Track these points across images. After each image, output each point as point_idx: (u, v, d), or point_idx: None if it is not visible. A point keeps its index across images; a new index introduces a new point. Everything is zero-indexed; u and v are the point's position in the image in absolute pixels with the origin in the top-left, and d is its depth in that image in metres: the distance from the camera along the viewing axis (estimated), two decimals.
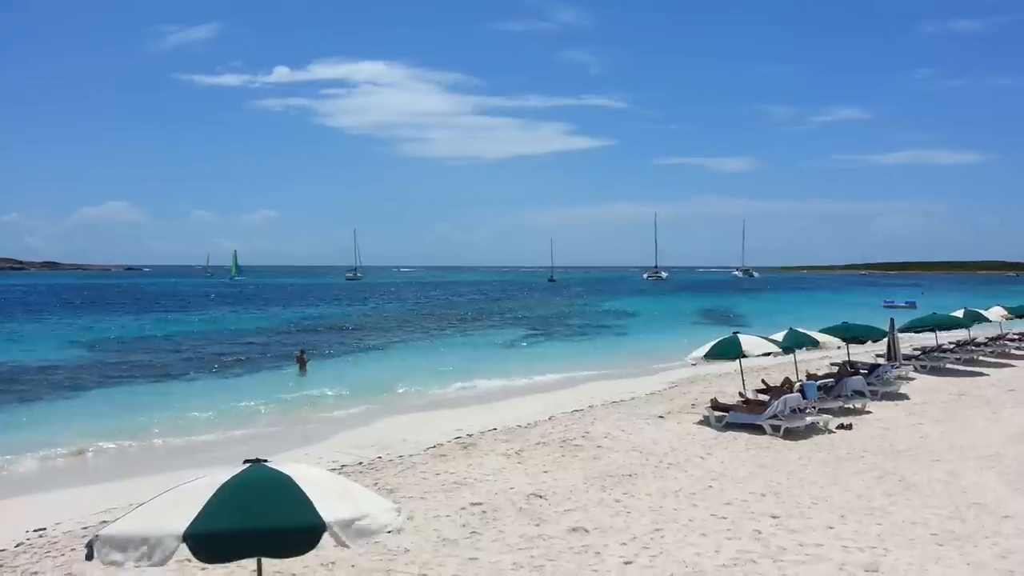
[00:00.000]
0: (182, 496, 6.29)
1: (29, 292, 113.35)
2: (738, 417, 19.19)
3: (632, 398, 24.82)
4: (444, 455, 16.84)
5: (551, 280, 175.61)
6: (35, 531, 12.79)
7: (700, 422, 19.85)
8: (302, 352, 33.49)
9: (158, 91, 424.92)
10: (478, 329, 55.15)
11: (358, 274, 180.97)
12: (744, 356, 19.96)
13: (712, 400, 20.92)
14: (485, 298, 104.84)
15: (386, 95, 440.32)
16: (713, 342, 20.41)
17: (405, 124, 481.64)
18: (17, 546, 12.09)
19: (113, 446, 19.42)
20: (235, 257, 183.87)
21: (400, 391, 27.15)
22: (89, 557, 6.30)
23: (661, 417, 21.02)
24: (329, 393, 26.72)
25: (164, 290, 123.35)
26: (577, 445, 17.37)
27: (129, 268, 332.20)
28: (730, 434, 18.37)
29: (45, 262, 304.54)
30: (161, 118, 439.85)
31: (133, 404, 25.15)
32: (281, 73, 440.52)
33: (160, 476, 15.27)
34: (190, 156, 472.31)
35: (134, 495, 11.90)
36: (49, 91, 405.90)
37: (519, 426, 20.44)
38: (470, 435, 19.46)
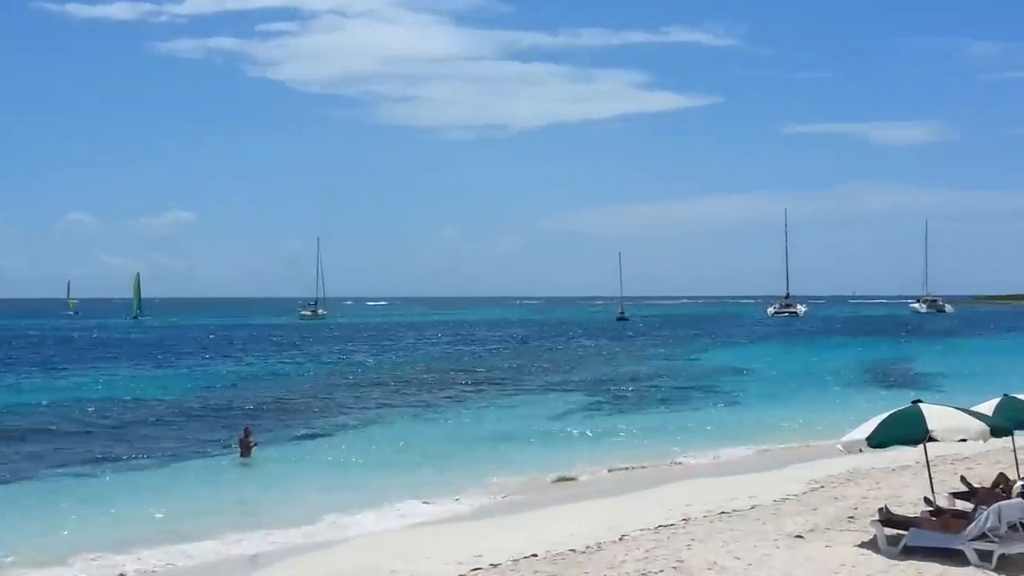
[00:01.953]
0: None
1: None
2: (924, 537, 15.03)
3: (752, 507, 19.94)
4: None
5: (620, 318, 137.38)
6: None
7: (863, 545, 15.52)
8: (247, 431, 26.31)
9: (5, 25, 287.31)
10: (505, 396, 43.08)
11: (319, 310, 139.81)
12: (931, 439, 15.28)
13: (881, 510, 16.36)
14: (515, 346, 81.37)
15: (359, 31, 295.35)
16: (882, 417, 15.73)
17: (389, 75, 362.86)
18: None
19: None
20: (137, 285, 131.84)
21: (386, 493, 20.97)
22: None
23: (799, 537, 16.53)
24: (282, 495, 20.89)
25: (29, 337, 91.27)
26: None
27: None
28: (911, 564, 14.25)
29: None
30: (11, 69, 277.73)
31: None
32: (198, 1, 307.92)
33: None
34: (60, 128, 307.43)
35: None
36: None
37: (572, 551, 15.86)
38: (495, 564, 14.95)
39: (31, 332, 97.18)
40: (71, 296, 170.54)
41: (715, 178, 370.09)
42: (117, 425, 31.80)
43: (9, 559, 15.43)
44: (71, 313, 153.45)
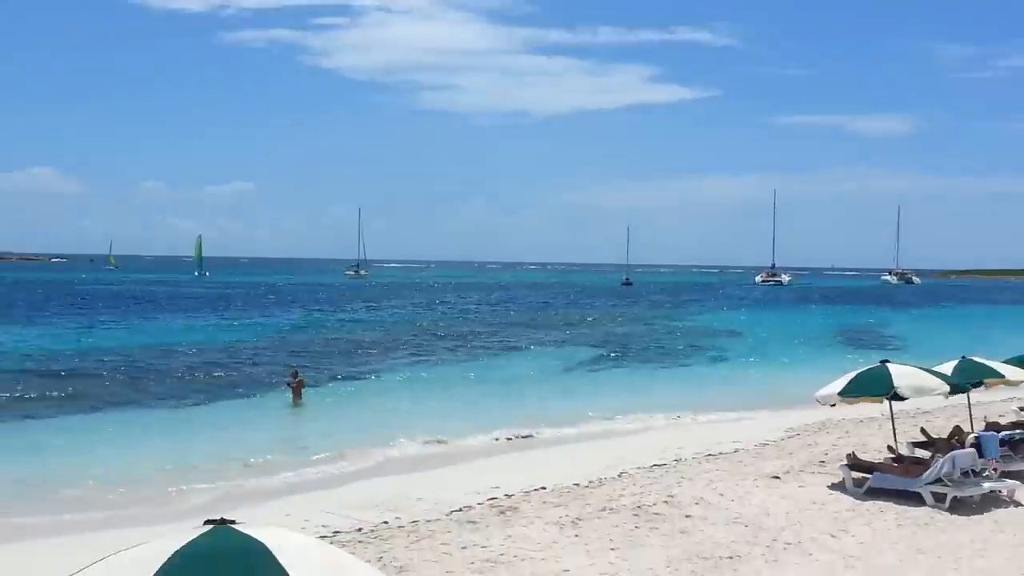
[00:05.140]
0: (119, 568, 4.93)
1: None
2: (886, 480, 15.82)
3: (736, 450, 20.90)
4: (474, 522, 14.14)
5: (626, 283, 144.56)
6: None
7: (832, 486, 16.46)
8: (296, 374, 27.36)
9: (98, 17, 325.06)
10: (523, 351, 46.08)
11: (361, 271, 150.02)
12: (896, 395, 16.21)
13: (849, 455, 17.28)
14: (534, 306, 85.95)
15: (402, 26, 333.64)
16: (853, 374, 16.63)
17: (428, 66, 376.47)
18: None
19: (36, 497, 16.15)
20: (199, 246, 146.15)
21: (418, 433, 22.40)
22: None
23: (776, 477, 17.44)
24: (326, 433, 22.31)
25: (105, 290, 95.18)
26: (657, 514, 14.37)
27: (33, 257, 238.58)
28: (874, 503, 15.15)
29: None
30: (101, 55, 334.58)
31: (60, 443, 20.56)
32: None
33: (96, 536, 13.35)
34: (139, 107, 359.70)
35: (62, 562, 8.33)
36: None
37: (576, 485, 16.83)
38: (509, 495, 15.95)
39: (128, 286, 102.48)
40: (113, 255, 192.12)
41: (713, 162, 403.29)
42: (186, 367, 33.97)
43: (64, 492, 16.37)
44: (111, 268, 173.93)
